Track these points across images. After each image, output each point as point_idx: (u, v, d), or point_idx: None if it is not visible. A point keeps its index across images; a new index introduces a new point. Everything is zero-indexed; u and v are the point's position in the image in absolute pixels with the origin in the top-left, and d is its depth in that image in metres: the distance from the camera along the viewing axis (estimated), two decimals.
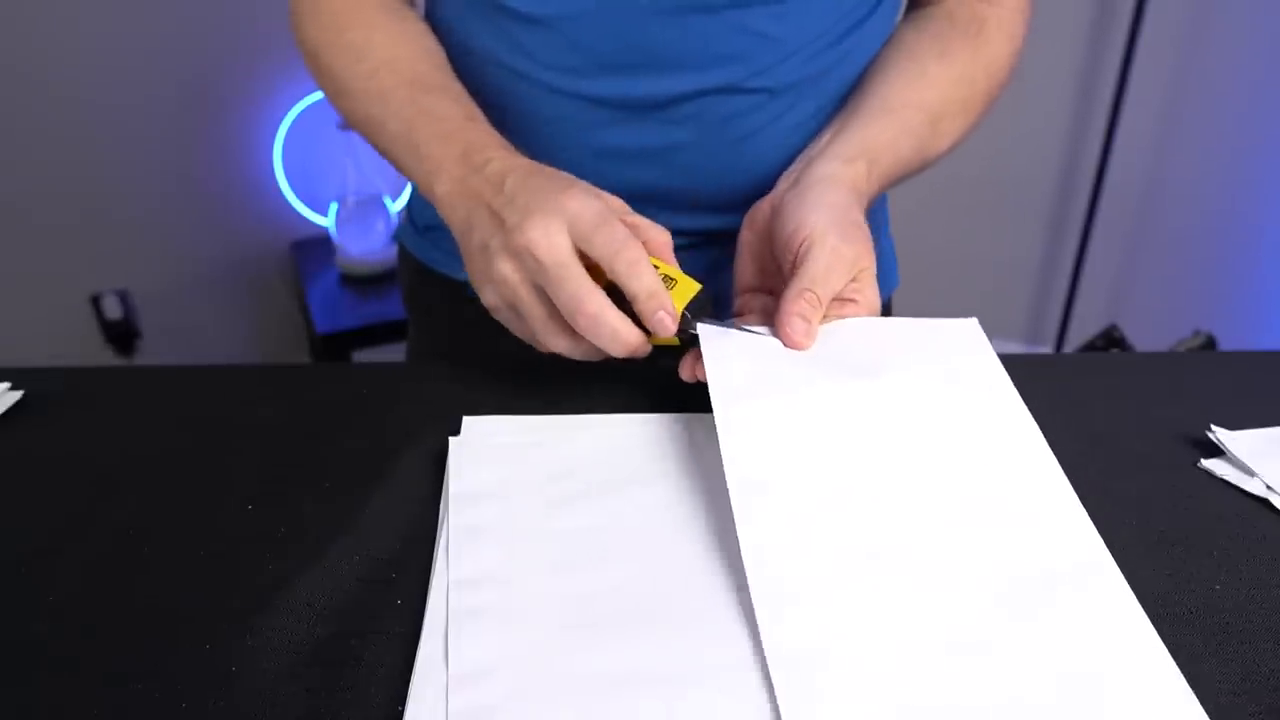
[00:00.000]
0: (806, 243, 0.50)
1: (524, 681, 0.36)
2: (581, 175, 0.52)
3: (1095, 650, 0.37)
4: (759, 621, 0.37)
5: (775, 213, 0.54)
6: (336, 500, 0.47)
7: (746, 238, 0.57)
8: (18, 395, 0.56)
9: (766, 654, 0.36)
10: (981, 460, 0.45)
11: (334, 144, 1.80)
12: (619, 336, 0.48)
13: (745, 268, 0.57)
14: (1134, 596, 0.39)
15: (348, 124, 0.65)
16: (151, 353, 1.93)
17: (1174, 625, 0.40)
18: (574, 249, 0.48)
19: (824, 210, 0.51)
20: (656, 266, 0.50)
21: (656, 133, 0.61)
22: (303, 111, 1.83)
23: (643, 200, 0.62)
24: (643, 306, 0.48)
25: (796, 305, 0.49)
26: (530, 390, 0.56)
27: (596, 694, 0.35)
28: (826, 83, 0.63)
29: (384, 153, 0.61)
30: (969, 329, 0.53)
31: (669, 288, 0.49)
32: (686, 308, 0.50)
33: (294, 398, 0.57)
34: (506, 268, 0.49)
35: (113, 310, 1.86)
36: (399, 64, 0.61)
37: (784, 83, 0.61)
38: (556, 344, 0.50)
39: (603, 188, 0.52)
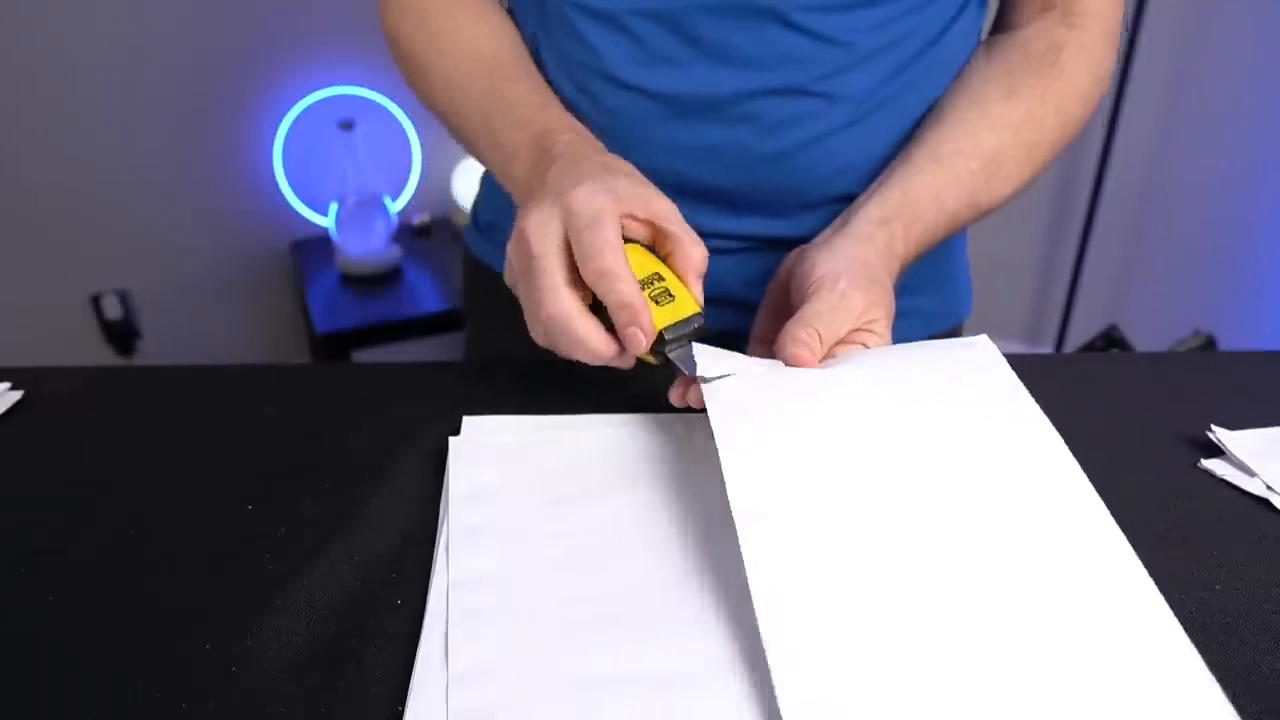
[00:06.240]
0: (816, 284, 0.50)
1: (523, 681, 0.36)
2: (646, 169, 0.51)
3: (1120, 655, 0.36)
4: (760, 626, 0.36)
5: (799, 261, 0.53)
6: (336, 500, 0.47)
7: (771, 288, 0.56)
8: (18, 395, 0.56)
9: (767, 654, 0.36)
10: (999, 470, 0.44)
11: (334, 144, 1.80)
12: (585, 345, 0.46)
13: (762, 319, 0.56)
14: (1161, 597, 0.38)
15: (428, 109, 0.65)
16: (151, 353, 1.94)
17: None
18: (563, 244, 0.46)
19: (842, 259, 0.51)
20: (661, 277, 0.48)
21: (715, 131, 0.60)
22: (303, 111, 1.82)
23: (699, 198, 0.62)
24: (614, 318, 0.46)
25: (795, 331, 0.48)
26: (530, 390, 0.56)
27: (596, 694, 0.35)
28: (900, 101, 0.61)
29: (466, 144, 0.62)
30: (980, 346, 0.51)
31: (665, 304, 0.47)
32: (680, 329, 0.47)
33: (294, 398, 0.57)
34: (511, 249, 0.49)
35: (113, 310, 1.86)
36: (481, 55, 0.61)
37: (849, 91, 0.59)
38: (537, 337, 0.49)
39: (664, 184, 0.51)
